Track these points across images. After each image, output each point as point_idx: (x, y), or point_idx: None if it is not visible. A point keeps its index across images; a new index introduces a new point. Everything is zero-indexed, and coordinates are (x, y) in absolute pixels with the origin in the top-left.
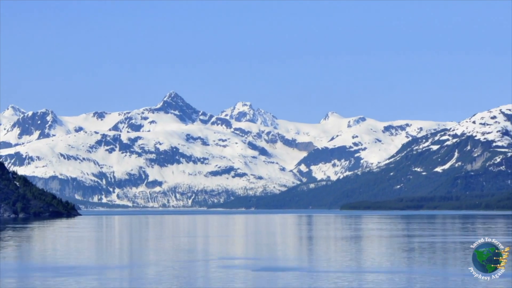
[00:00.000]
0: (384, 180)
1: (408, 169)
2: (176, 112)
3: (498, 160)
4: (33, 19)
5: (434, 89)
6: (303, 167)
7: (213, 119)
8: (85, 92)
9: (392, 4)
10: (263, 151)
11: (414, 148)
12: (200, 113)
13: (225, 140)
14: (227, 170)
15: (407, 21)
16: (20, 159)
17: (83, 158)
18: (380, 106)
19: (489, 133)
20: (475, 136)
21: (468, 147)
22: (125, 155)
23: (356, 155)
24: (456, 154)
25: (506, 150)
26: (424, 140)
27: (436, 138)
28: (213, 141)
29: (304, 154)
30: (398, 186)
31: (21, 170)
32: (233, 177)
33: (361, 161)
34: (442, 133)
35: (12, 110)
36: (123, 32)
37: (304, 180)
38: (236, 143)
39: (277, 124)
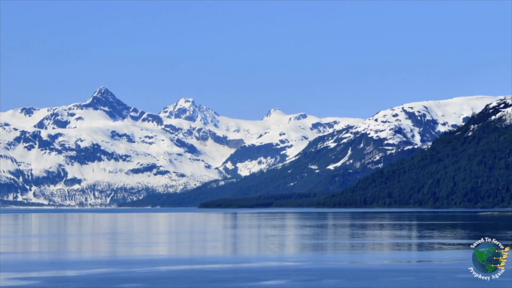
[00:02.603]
0: (281, 177)
1: (305, 166)
2: (106, 109)
3: (377, 158)
4: None
5: (368, 86)
6: (229, 165)
7: (144, 115)
8: (14, 88)
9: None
10: (191, 149)
11: (319, 146)
12: (131, 110)
13: (152, 137)
14: (149, 168)
15: (344, 20)
16: None
17: (1, 156)
18: (321, 103)
19: (382, 131)
20: (369, 134)
21: (361, 145)
22: (45, 152)
23: (282, 152)
24: (349, 152)
25: (396, 148)
26: (330, 138)
27: (341, 135)
28: (139, 138)
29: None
30: (292, 184)
31: None
32: (155, 174)
33: (286, 159)
34: (346, 130)
35: None
36: (57, 27)
37: (229, 177)
38: (163, 140)
39: (217, 121)
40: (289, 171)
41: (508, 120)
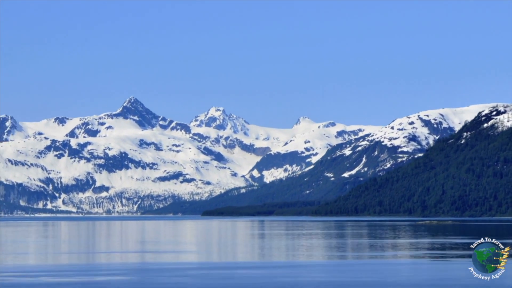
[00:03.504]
0: (298, 185)
1: (321, 174)
2: (135, 118)
3: (388, 165)
4: None
5: (393, 94)
6: (255, 172)
7: (173, 124)
8: (48, 98)
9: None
10: (218, 157)
11: (337, 154)
12: (160, 119)
13: (179, 145)
14: (176, 176)
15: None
16: None
17: (31, 164)
18: (349, 111)
19: (395, 138)
20: (383, 141)
21: (376, 153)
22: (74, 161)
23: (307, 160)
24: (364, 160)
25: (407, 156)
26: (348, 146)
27: (358, 143)
28: (166, 146)
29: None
30: (308, 191)
31: None
32: (181, 182)
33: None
34: (362, 138)
35: None
36: (89, 39)
37: (255, 185)
38: (190, 148)
39: (247, 129)
40: (305, 179)
41: (500, 128)
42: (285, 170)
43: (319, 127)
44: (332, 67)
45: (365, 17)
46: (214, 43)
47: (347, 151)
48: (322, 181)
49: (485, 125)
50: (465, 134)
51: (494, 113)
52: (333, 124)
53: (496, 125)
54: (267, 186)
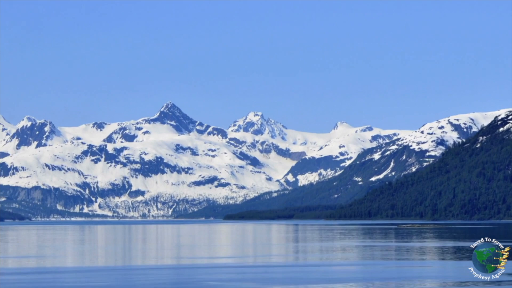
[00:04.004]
0: (326, 189)
1: (350, 178)
2: (172, 123)
3: (414, 169)
4: (34, 31)
5: (427, 98)
6: (290, 177)
7: (209, 129)
8: (87, 103)
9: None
10: (254, 161)
11: (366, 158)
12: (196, 124)
13: (215, 150)
14: (211, 180)
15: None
16: (5, 169)
17: (68, 169)
18: (386, 116)
19: (423, 143)
20: (411, 146)
21: (404, 157)
22: (110, 165)
23: (342, 164)
24: (392, 164)
25: (433, 160)
26: (378, 150)
27: (388, 147)
28: (202, 151)
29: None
30: (336, 195)
31: (5, 181)
32: (216, 186)
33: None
34: (392, 143)
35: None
36: (127, 46)
37: (289, 188)
38: (225, 153)
39: (285, 134)
40: (334, 183)
41: None
42: (320, 174)
43: (356, 131)
44: (370, 71)
45: (402, 22)
46: (253, 48)
47: (376, 156)
48: (351, 185)
49: (501, 129)
50: (480, 138)
51: (511, 117)
52: (370, 129)
53: (511, 129)
54: (297, 190)
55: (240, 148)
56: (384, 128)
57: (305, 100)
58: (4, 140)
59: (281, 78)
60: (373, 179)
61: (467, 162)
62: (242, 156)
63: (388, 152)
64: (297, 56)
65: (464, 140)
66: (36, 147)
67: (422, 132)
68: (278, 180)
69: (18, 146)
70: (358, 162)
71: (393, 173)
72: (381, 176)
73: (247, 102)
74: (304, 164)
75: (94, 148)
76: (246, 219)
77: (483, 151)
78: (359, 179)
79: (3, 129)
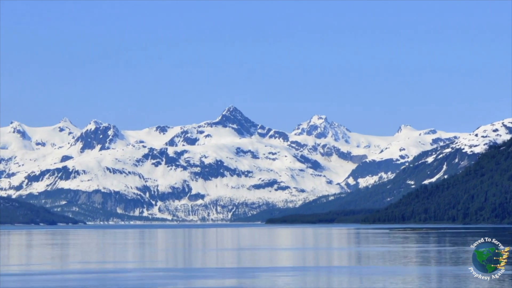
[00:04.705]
0: (380, 192)
1: (403, 182)
2: (234, 126)
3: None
4: (104, 37)
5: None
6: (351, 180)
7: (271, 132)
8: (150, 107)
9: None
10: (315, 164)
11: (422, 160)
12: (258, 127)
13: (275, 153)
14: (271, 183)
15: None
16: (66, 173)
17: (129, 172)
18: (450, 119)
19: (476, 145)
20: (463, 149)
21: (456, 160)
22: (171, 169)
23: (402, 167)
24: (444, 167)
25: None
26: (433, 153)
27: (442, 150)
28: (263, 154)
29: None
30: (389, 199)
31: (66, 184)
32: (276, 190)
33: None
34: (447, 146)
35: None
36: (188, 48)
37: (348, 191)
38: (286, 156)
39: (348, 137)
40: (388, 186)
41: None
42: (380, 177)
43: (420, 134)
44: (435, 73)
45: (465, 23)
46: (315, 52)
47: (430, 159)
48: (404, 189)
49: None
50: None
51: None
52: (434, 132)
53: None
54: (353, 194)
55: (301, 151)
56: (447, 131)
57: (370, 103)
58: (68, 143)
59: (346, 81)
60: (426, 182)
61: (502, 165)
62: (303, 159)
63: (441, 155)
64: (362, 60)
65: None
66: (99, 150)
67: (476, 135)
68: (338, 184)
69: (82, 149)
70: (411, 165)
71: (445, 176)
72: (433, 179)
73: (311, 105)
74: (365, 167)
75: (155, 152)
76: (288, 223)
77: None
78: (412, 182)
79: (70, 133)
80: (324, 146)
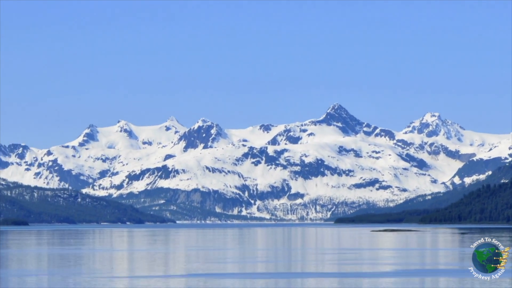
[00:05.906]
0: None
1: (497, 181)
2: (339, 124)
3: None
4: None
5: None
6: (456, 179)
7: (377, 131)
8: (255, 105)
9: None
10: (420, 163)
11: None
12: (364, 125)
13: (379, 152)
14: (372, 183)
15: None
16: (166, 172)
17: (228, 171)
18: None
19: None
20: None
21: None
22: (270, 168)
23: (501, 166)
24: None
25: None
26: None
27: None
28: (366, 153)
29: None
30: None
31: (166, 183)
32: (377, 189)
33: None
34: None
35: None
36: (294, 45)
37: (451, 190)
38: (390, 155)
39: (461, 135)
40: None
41: None
42: (488, 176)
43: None
44: None
45: None
46: (428, 45)
47: None
48: None
49: None
50: None
51: None
52: None
53: None
54: (450, 193)
55: (407, 150)
56: None
57: (485, 100)
58: (172, 142)
59: (459, 77)
60: None
61: None
62: (408, 158)
63: None
64: (482, 57)
65: None
66: (202, 149)
67: None
68: (443, 183)
69: (185, 148)
70: (508, 164)
71: None
72: None
73: (424, 102)
74: (471, 166)
75: (255, 151)
76: (356, 222)
77: None
78: (506, 181)
79: (176, 132)
80: (431, 144)
